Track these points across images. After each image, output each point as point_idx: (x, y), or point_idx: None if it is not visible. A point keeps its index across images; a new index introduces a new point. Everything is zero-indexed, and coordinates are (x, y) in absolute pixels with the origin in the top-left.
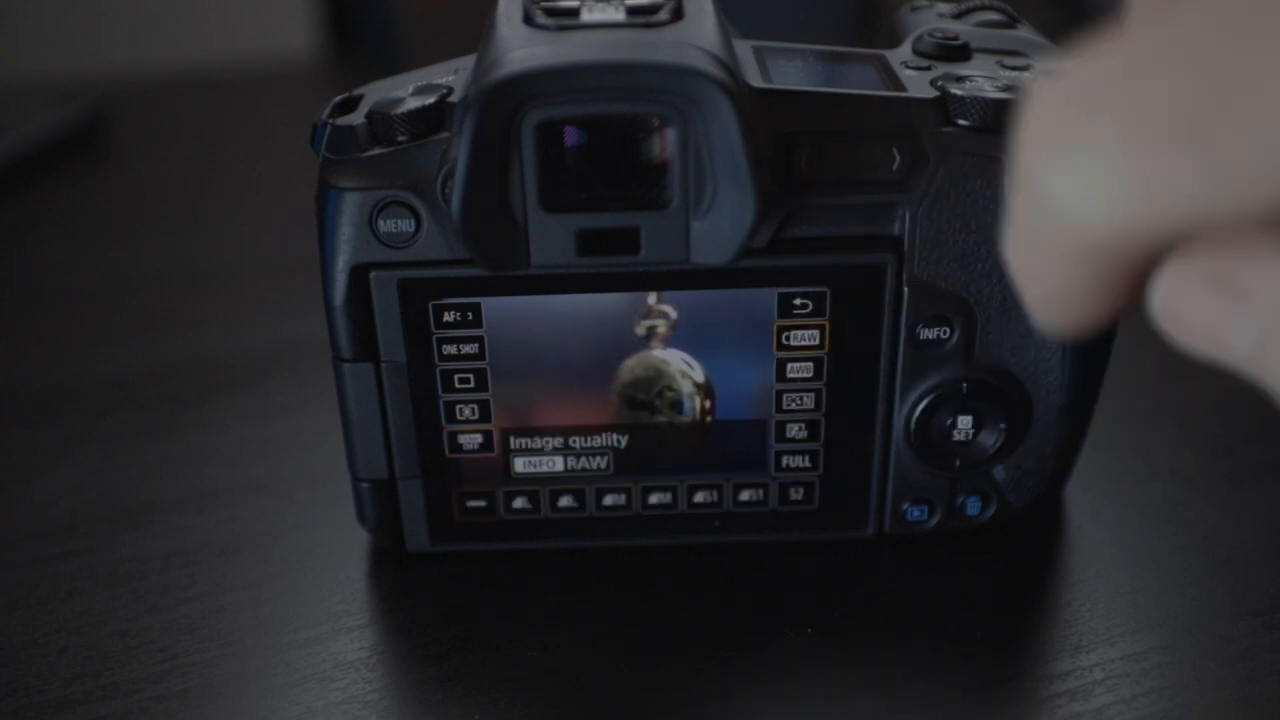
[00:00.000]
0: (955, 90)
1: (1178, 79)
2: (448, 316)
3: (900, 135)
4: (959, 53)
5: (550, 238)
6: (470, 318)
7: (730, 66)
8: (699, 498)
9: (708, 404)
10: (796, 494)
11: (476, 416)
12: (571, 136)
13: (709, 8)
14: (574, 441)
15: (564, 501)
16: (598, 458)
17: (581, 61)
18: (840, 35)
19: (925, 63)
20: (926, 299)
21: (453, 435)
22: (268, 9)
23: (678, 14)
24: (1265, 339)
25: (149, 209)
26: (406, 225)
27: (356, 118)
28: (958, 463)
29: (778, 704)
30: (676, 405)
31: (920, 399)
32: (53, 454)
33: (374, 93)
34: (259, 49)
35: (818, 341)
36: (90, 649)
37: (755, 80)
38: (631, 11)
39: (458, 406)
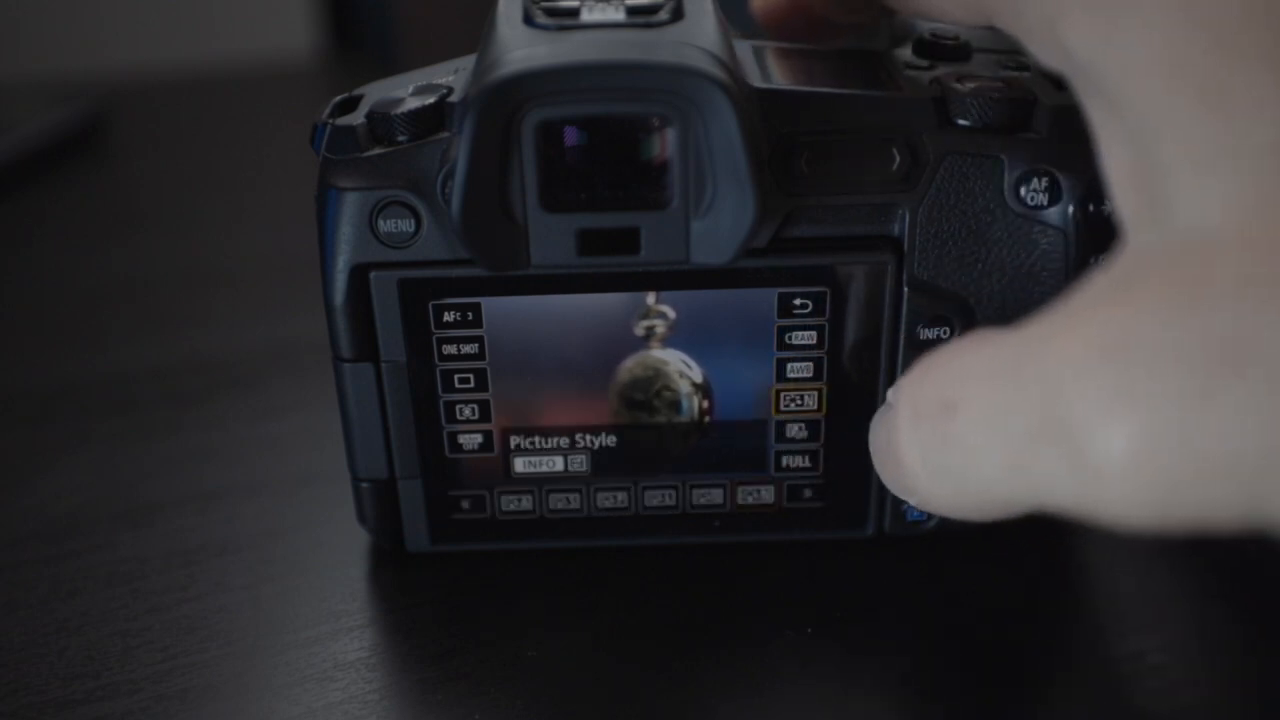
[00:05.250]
0: (955, 90)
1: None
2: (448, 316)
3: (900, 135)
4: (959, 52)
5: (550, 238)
6: (470, 318)
7: (730, 66)
8: (699, 498)
9: (706, 404)
10: (796, 494)
11: (476, 416)
12: (571, 136)
13: (709, 8)
14: (574, 441)
15: (563, 501)
16: (597, 458)
17: (581, 61)
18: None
19: (925, 62)
20: (926, 299)
21: (453, 435)
22: (268, 9)
23: (678, 14)
24: None
25: (149, 209)
26: (406, 225)
27: (356, 118)
28: None
29: (778, 704)
30: (675, 405)
31: None
32: (53, 454)
33: (374, 93)
34: (259, 49)
35: (817, 341)
36: (90, 649)
37: (755, 80)
38: (631, 11)
39: (458, 406)
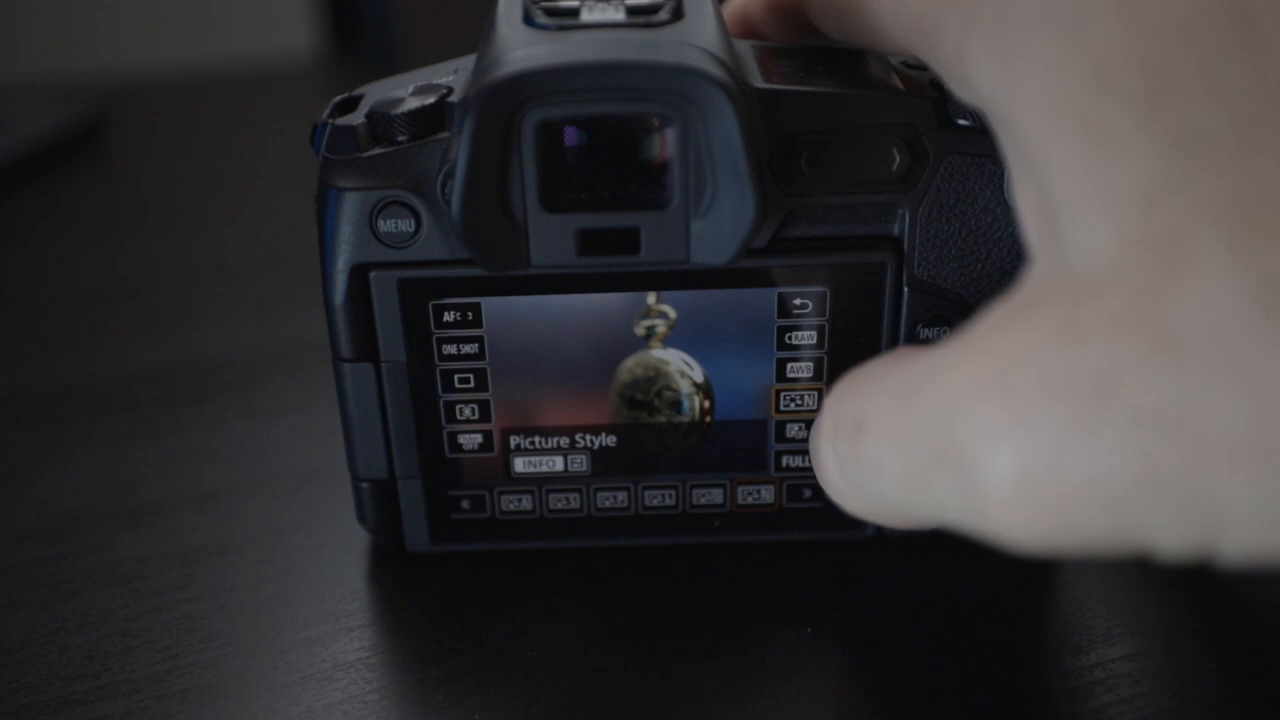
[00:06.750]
0: None
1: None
2: (448, 316)
3: (900, 135)
4: None
5: (550, 238)
6: (470, 318)
7: (730, 66)
8: (699, 498)
9: (706, 404)
10: (796, 494)
11: (476, 416)
12: (571, 136)
13: (709, 8)
14: (574, 441)
15: (563, 501)
16: (597, 457)
17: (581, 61)
18: None
19: None
20: (926, 299)
21: (453, 435)
22: (268, 9)
23: (678, 14)
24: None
25: (149, 209)
26: (406, 225)
27: (356, 118)
28: None
29: (778, 704)
30: (675, 405)
31: None
32: (53, 454)
33: (374, 93)
34: (259, 49)
35: (817, 341)
36: (90, 649)
37: (755, 80)
38: (631, 11)
39: (458, 406)
